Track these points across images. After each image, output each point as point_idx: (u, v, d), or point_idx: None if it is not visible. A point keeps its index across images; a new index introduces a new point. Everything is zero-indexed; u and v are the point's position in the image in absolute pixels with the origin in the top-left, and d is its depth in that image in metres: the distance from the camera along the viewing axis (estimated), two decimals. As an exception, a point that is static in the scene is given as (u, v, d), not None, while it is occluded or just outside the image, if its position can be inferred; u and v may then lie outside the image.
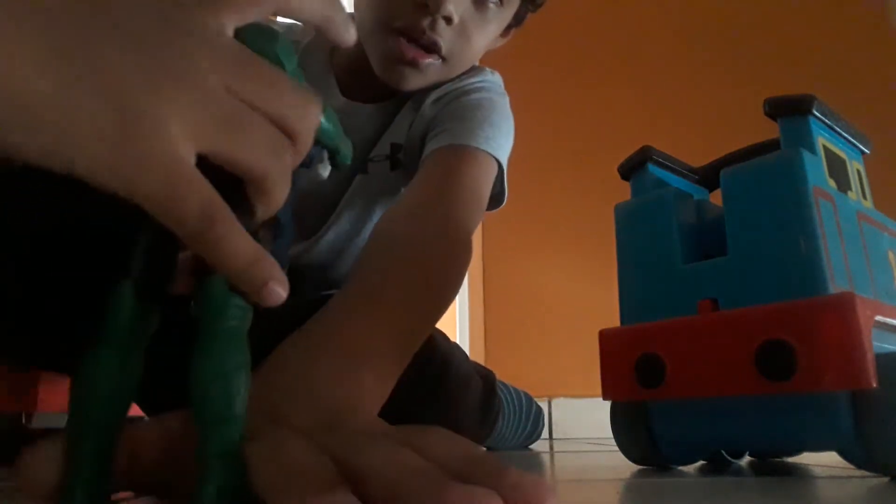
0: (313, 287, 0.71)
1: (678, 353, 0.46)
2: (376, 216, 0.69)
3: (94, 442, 0.23)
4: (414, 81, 0.59)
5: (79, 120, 0.19)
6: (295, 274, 0.70)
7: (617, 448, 0.53)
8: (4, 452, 0.50)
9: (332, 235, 0.69)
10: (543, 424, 0.96)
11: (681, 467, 0.52)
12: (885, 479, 0.40)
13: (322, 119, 0.26)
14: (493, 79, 0.67)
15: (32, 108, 0.19)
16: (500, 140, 0.60)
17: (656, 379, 0.47)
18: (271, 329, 0.44)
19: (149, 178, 0.20)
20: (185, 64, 0.21)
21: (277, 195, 0.24)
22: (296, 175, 0.29)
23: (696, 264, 0.50)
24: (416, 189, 0.54)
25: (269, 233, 0.27)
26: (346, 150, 0.34)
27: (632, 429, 0.51)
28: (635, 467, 0.52)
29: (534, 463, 0.63)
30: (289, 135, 0.24)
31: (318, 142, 0.35)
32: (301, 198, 0.69)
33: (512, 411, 0.86)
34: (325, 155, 0.36)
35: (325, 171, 0.43)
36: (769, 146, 0.52)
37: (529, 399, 0.93)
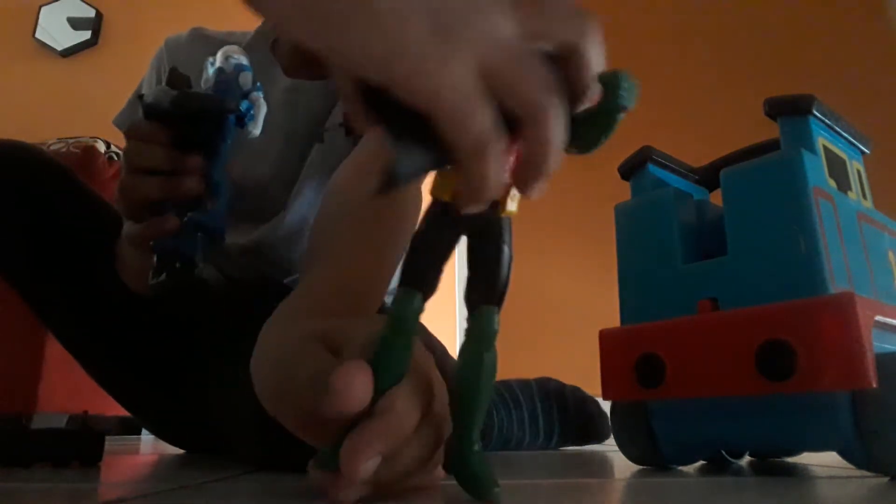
0: (280, 268, 0.73)
1: (678, 353, 0.46)
2: (307, 186, 0.73)
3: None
4: None
5: (405, 31, 0.24)
6: (260, 255, 0.72)
7: (617, 448, 0.53)
8: (4, 452, 0.50)
9: (295, 210, 0.72)
10: (598, 420, 0.90)
11: (681, 467, 0.52)
12: (885, 479, 0.40)
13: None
14: None
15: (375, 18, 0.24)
16: None
17: (656, 379, 0.47)
18: (243, 313, 0.52)
19: (452, 90, 0.24)
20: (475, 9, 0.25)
21: (554, 130, 0.26)
22: (231, 134, 0.40)
23: (696, 264, 0.50)
24: (364, 143, 0.58)
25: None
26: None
27: (632, 429, 0.51)
28: (635, 467, 0.52)
29: (533, 463, 0.63)
30: (570, 51, 0.27)
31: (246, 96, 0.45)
32: (259, 179, 0.72)
33: (519, 406, 0.85)
34: (259, 111, 0.44)
35: (257, 129, 0.51)
36: (769, 146, 0.52)
37: (566, 394, 0.90)
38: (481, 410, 0.29)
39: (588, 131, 0.28)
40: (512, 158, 0.27)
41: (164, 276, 0.51)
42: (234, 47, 0.56)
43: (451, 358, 0.70)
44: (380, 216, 0.49)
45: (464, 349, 0.29)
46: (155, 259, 0.52)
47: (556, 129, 0.26)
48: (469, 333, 0.29)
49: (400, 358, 0.29)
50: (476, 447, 0.29)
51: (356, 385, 0.26)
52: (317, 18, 0.25)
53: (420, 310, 0.28)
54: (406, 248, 0.29)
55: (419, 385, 0.30)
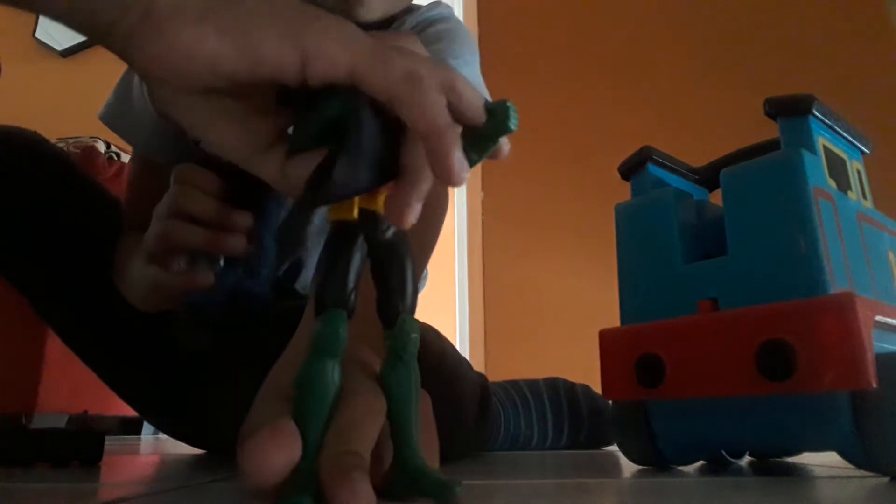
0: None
1: (678, 353, 0.46)
2: None
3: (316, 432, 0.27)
4: (367, 8, 0.60)
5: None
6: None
7: (617, 448, 0.53)
8: (4, 452, 0.50)
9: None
10: (602, 423, 0.88)
11: (681, 467, 0.52)
12: (885, 479, 0.40)
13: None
14: (445, 11, 0.72)
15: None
16: (470, 69, 0.64)
17: (656, 379, 0.47)
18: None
19: (404, 79, 0.27)
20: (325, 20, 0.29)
21: (418, 108, 0.27)
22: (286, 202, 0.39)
23: (696, 264, 0.50)
24: None
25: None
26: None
27: (632, 429, 0.51)
28: (635, 467, 0.52)
29: (534, 463, 0.63)
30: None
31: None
32: None
33: (527, 404, 0.85)
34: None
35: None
36: (769, 146, 0.52)
37: (571, 395, 0.88)
38: (416, 423, 0.30)
39: (468, 152, 0.29)
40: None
41: (193, 333, 0.52)
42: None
43: (450, 342, 0.69)
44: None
45: (390, 364, 0.30)
46: (183, 309, 0.52)
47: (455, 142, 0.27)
48: (393, 347, 0.29)
49: (323, 389, 0.27)
50: (419, 457, 0.29)
51: (268, 463, 0.24)
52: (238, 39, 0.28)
53: (343, 332, 0.28)
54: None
55: (362, 407, 0.28)
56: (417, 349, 0.30)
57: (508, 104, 0.29)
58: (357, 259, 0.29)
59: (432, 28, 0.68)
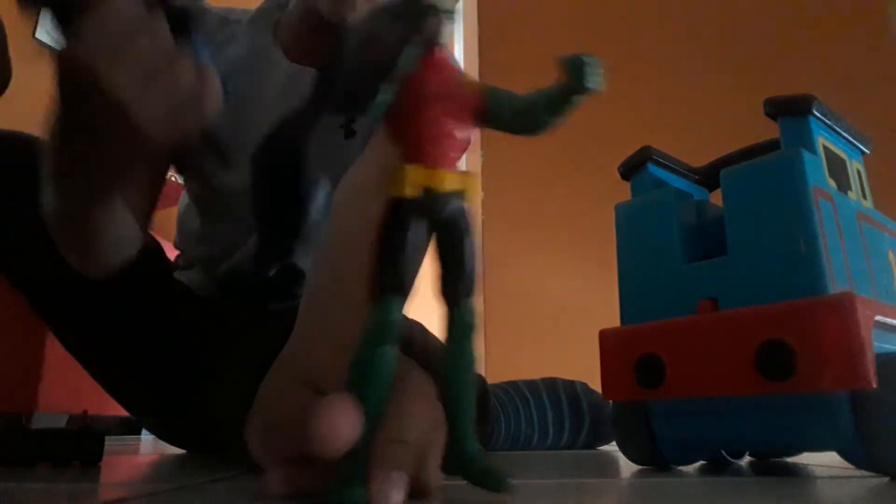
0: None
1: (678, 353, 0.46)
2: (320, 189, 0.69)
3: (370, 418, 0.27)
4: (359, 14, 0.61)
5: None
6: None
7: (617, 448, 0.53)
8: (4, 452, 0.50)
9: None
10: (600, 422, 0.88)
11: (681, 467, 0.52)
12: (885, 479, 0.40)
13: None
14: None
15: None
16: None
17: (656, 379, 0.47)
18: (238, 312, 0.50)
19: None
20: None
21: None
22: None
23: (696, 264, 0.50)
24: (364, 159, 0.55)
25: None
26: None
27: (632, 429, 0.51)
28: (635, 467, 0.52)
29: (534, 463, 0.63)
30: None
31: None
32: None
33: (526, 403, 0.85)
34: None
35: None
36: (769, 146, 0.52)
37: (570, 396, 0.88)
38: (473, 405, 0.29)
39: (540, 113, 0.28)
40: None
41: None
42: None
43: (435, 337, 0.69)
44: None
45: (448, 347, 0.29)
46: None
47: None
48: (451, 330, 0.28)
49: (379, 375, 0.27)
50: (474, 442, 0.29)
51: (340, 424, 0.25)
52: None
53: (399, 317, 0.27)
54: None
55: (415, 395, 0.29)
56: (475, 333, 0.28)
57: (585, 58, 0.26)
58: (415, 239, 0.27)
59: None
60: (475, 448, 0.29)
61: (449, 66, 0.29)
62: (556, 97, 0.27)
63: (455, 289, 0.28)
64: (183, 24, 0.43)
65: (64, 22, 0.39)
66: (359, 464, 0.26)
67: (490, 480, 0.28)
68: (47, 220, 0.51)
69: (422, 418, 0.29)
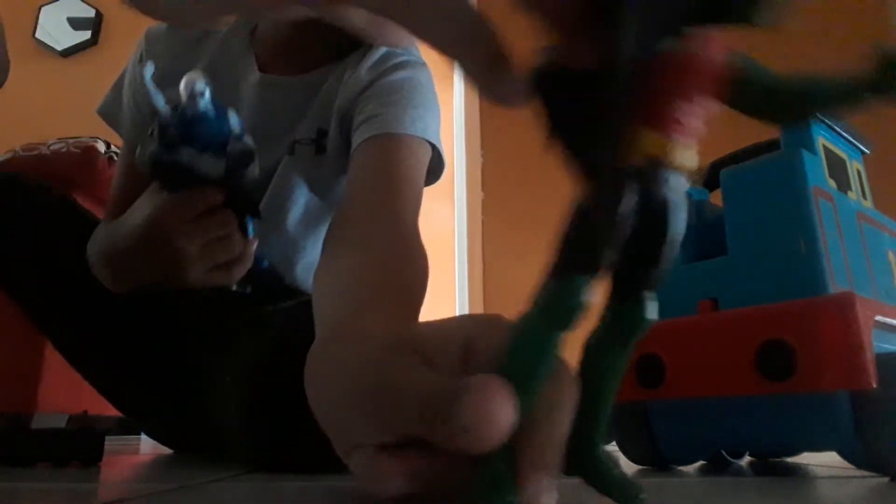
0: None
1: (678, 354, 0.46)
2: (295, 203, 0.67)
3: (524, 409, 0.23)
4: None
5: None
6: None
7: (617, 448, 0.53)
8: (4, 452, 0.50)
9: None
10: None
11: (681, 467, 0.52)
12: (885, 479, 0.40)
13: None
14: (413, 50, 0.67)
15: None
16: (426, 120, 0.60)
17: (656, 379, 0.47)
18: (233, 312, 0.54)
19: None
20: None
21: None
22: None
23: (696, 264, 0.50)
24: (357, 192, 0.53)
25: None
26: None
27: (632, 429, 0.51)
28: (635, 467, 0.52)
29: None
30: None
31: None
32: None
33: None
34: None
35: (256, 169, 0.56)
36: (769, 146, 0.52)
37: None
38: (610, 406, 0.25)
39: (812, 103, 0.24)
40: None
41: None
42: (198, 77, 0.50)
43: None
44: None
45: (605, 339, 0.25)
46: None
47: None
48: (615, 323, 0.24)
49: (545, 363, 0.23)
50: (602, 446, 0.26)
51: (497, 413, 0.21)
52: None
53: (585, 302, 0.22)
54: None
55: (569, 390, 0.25)
56: (644, 333, 0.24)
57: None
58: (622, 215, 0.22)
59: (393, 76, 0.63)
60: (607, 454, 0.25)
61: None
62: (845, 89, 0.23)
63: (642, 276, 0.23)
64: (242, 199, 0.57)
65: (170, 188, 0.55)
66: (510, 461, 0.23)
67: (622, 492, 0.25)
68: (90, 260, 0.62)
69: (569, 418, 0.25)
